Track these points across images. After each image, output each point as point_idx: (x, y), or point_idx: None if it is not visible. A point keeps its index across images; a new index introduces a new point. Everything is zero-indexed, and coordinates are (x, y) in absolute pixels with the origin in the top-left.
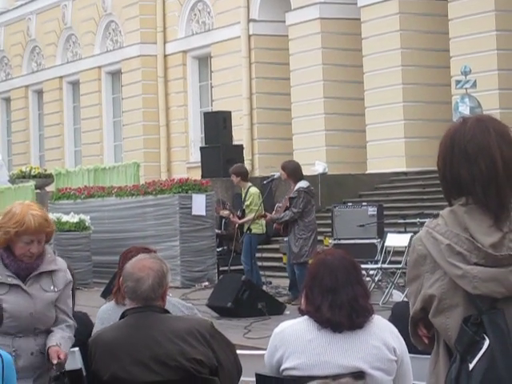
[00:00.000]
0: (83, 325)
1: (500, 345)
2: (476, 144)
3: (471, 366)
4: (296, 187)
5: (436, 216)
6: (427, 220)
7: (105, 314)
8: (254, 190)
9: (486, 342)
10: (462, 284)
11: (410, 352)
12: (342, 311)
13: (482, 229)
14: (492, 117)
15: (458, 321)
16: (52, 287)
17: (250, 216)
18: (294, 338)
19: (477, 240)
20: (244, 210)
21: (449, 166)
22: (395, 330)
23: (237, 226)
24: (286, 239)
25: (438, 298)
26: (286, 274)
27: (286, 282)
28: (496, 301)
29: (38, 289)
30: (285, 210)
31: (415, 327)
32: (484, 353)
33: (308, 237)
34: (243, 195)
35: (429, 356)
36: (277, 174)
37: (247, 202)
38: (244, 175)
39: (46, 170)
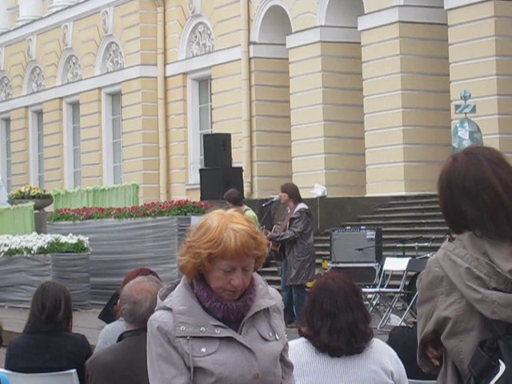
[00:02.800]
0: (81, 346)
1: None
2: (472, 178)
3: None
4: (298, 208)
5: (450, 239)
6: (442, 244)
7: (109, 334)
8: (249, 213)
9: (502, 367)
10: (479, 308)
11: (409, 377)
12: (340, 336)
13: (501, 254)
14: (480, 146)
15: (471, 344)
16: (271, 333)
17: None
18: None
19: (497, 265)
20: None
21: (451, 206)
22: (394, 354)
23: None
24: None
25: (452, 320)
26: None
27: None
28: None
29: (256, 338)
30: (284, 230)
31: (424, 349)
32: (500, 378)
33: (307, 259)
34: None
35: (430, 381)
36: (276, 197)
37: None
38: (234, 201)
39: (45, 191)
